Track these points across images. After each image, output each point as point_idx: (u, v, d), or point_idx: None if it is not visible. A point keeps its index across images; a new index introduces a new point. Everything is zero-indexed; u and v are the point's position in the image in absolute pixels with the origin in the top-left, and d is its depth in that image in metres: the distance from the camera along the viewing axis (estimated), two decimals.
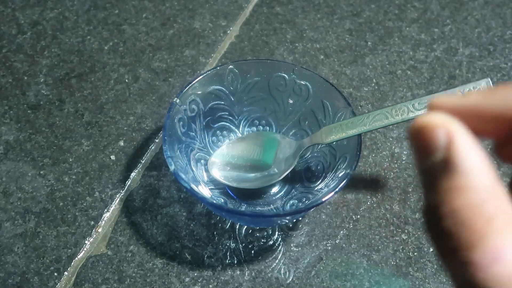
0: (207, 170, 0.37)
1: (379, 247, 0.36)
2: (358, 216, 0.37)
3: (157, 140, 0.41)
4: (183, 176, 0.30)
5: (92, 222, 0.36)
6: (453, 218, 0.13)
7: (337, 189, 0.30)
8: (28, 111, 0.43)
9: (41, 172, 0.39)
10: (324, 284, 0.34)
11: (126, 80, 0.45)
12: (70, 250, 0.35)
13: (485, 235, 0.12)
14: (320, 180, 0.35)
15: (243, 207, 0.36)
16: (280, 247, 0.35)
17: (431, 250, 0.36)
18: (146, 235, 0.36)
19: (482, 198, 0.13)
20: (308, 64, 0.48)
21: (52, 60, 0.47)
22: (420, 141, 0.14)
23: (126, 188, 0.38)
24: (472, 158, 0.13)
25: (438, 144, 0.13)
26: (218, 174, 0.36)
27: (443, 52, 0.49)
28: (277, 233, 0.36)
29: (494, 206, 0.12)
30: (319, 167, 0.37)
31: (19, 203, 0.37)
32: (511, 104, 0.14)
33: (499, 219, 0.12)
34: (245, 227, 0.36)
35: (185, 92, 0.34)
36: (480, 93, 0.15)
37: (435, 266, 0.35)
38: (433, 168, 0.13)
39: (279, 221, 0.35)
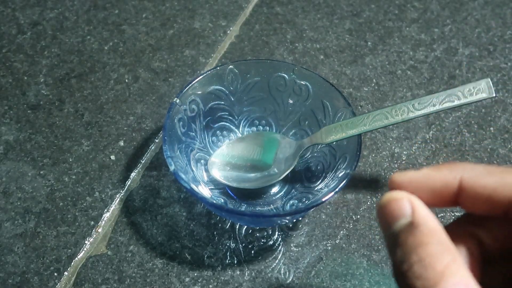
0: (207, 170, 0.37)
1: (379, 247, 0.36)
2: (358, 216, 0.37)
3: (157, 140, 0.41)
4: (183, 176, 0.30)
5: (92, 222, 0.36)
6: (419, 264, 0.16)
7: (337, 189, 0.30)
8: (28, 111, 0.43)
9: (41, 172, 0.39)
10: (324, 284, 0.34)
11: (126, 80, 0.45)
12: (70, 250, 0.35)
13: (444, 275, 0.16)
14: (320, 180, 0.35)
15: (243, 207, 0.36)
16: (280, 247, 0.35)
17: None
18: (146, 235, 0.36)
19: (440, 249, 0.17)
20: (308, 64, 0.48)
21: (52, 60, 0.47)
22: (388, 211, 0.18)
23: (126, 188, 0.38)
24: (430, 220, 0.18)
25: (405, 211, 0.18)
26: (218, 174, 0.36)
27: (443, 52, 0.49)
28: (277, 233, 0.36)
29: (449, 255, 0.17)
30: (319, 167, 0.37)
31: (19, 203, 0.37)
32: (453, 180, 0.19)
33: (452, 265, 0.16)
34: (245, 227, 0.36)
35: (185, 92, 0.34)
36: (427, 170, 0.20)
37: None
38: (400, 230, 0.18)
39: (279, 221, 0.35)
